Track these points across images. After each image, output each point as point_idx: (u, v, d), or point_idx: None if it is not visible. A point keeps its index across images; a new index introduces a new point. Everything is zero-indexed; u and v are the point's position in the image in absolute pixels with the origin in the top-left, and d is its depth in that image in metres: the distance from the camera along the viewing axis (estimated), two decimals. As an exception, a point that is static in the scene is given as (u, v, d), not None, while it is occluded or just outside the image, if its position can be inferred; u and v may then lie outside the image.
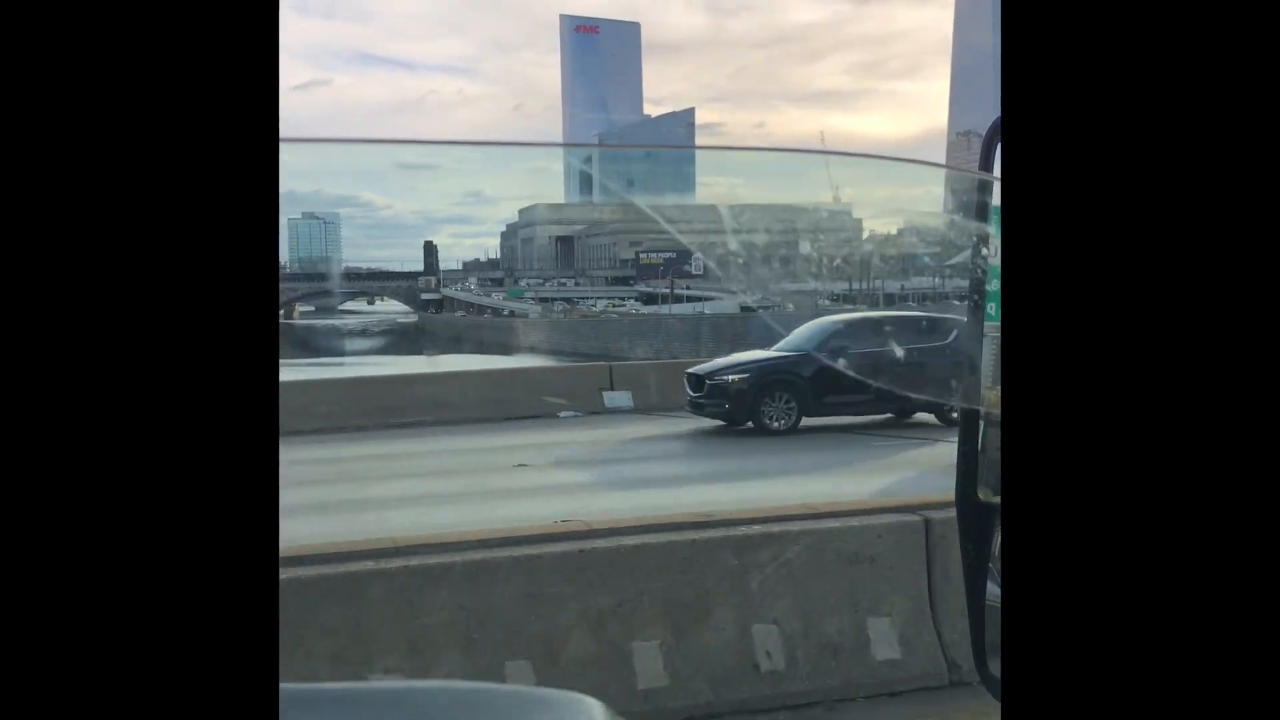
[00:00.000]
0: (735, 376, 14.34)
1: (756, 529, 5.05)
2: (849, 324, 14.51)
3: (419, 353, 58.35)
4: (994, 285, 1.48)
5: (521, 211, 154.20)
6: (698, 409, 14.35)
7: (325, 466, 10.90)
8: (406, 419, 14.35)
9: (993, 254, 1.44)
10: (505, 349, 51.81)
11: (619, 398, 15.41)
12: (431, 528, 6.78)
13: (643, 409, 15.66)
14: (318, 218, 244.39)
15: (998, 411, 1.42)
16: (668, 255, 78.85)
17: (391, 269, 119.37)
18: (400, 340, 76.81)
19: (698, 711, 4.66)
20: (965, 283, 1.54)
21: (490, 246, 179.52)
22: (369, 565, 4.58)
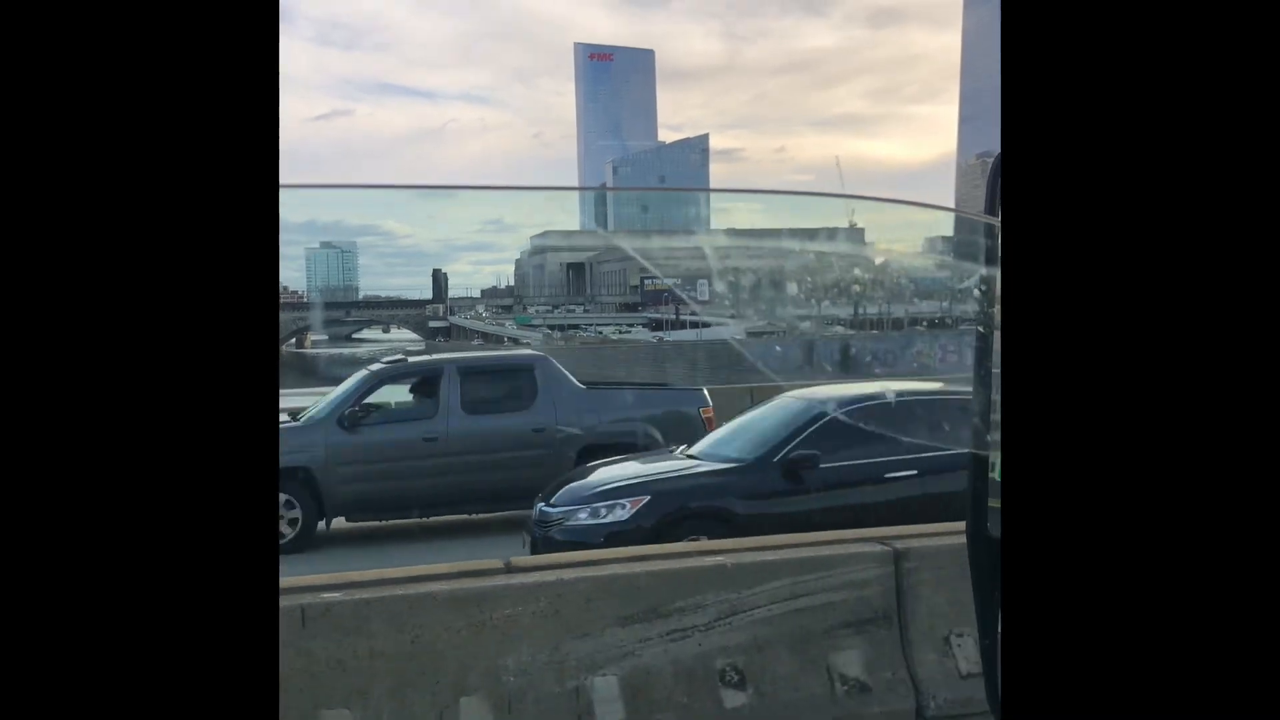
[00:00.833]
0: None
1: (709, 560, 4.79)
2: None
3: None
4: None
5: (534, 238, 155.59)
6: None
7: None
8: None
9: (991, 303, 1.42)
10: (505, 377, 51.84)
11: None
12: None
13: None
14: (334, 246, 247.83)
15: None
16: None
17: (411, 297, 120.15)
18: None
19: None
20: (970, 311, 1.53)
21: (509, 274, 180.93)
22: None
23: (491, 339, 77.30)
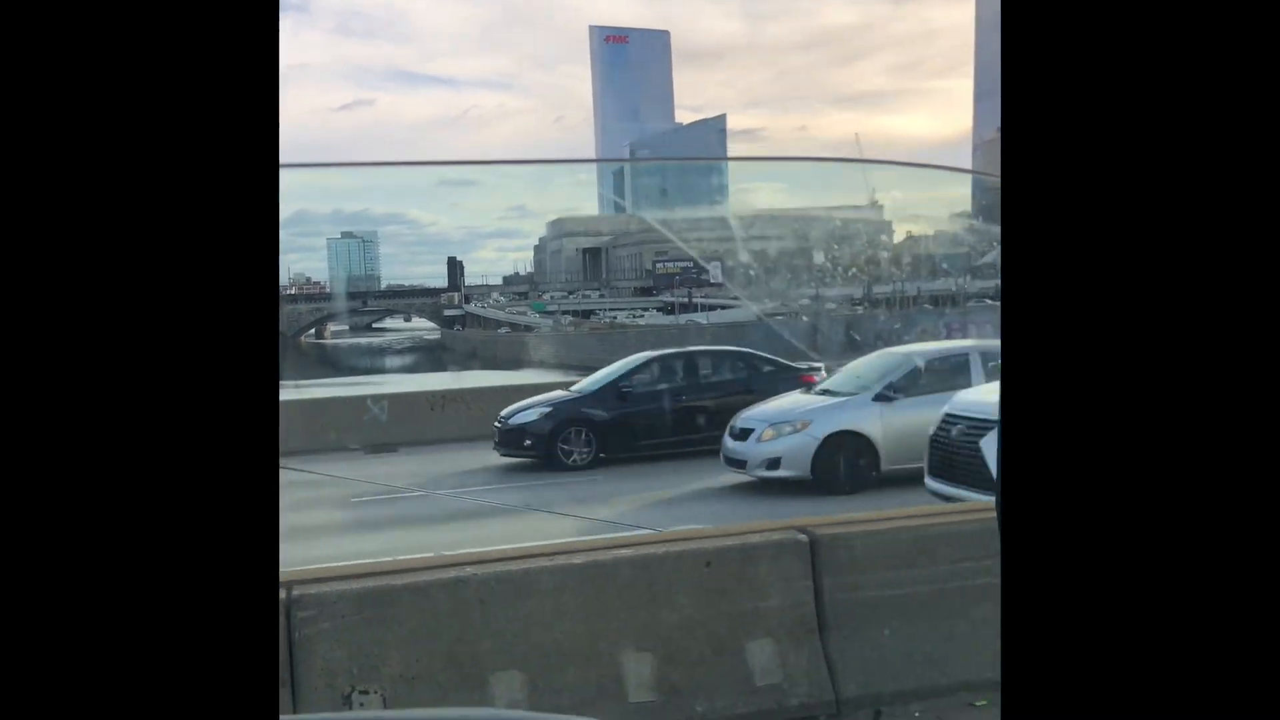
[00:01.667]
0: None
1: (625, 553, 4.89)
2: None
3: (443, 369, 58.57)
4: None
5: (550, 224, 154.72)
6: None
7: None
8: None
9: None
10: (516, 364, 51.81)
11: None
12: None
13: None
14: (355, 236, 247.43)
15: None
16: (684, 264, 78.54)
17: (431, 285, 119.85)
18: (423, 357, 77.17)
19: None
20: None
21: (528, 260, 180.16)
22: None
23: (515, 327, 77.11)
